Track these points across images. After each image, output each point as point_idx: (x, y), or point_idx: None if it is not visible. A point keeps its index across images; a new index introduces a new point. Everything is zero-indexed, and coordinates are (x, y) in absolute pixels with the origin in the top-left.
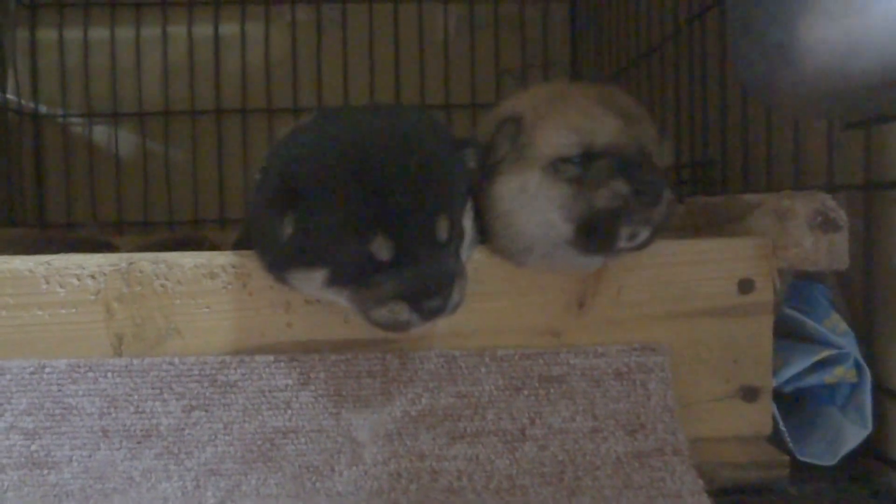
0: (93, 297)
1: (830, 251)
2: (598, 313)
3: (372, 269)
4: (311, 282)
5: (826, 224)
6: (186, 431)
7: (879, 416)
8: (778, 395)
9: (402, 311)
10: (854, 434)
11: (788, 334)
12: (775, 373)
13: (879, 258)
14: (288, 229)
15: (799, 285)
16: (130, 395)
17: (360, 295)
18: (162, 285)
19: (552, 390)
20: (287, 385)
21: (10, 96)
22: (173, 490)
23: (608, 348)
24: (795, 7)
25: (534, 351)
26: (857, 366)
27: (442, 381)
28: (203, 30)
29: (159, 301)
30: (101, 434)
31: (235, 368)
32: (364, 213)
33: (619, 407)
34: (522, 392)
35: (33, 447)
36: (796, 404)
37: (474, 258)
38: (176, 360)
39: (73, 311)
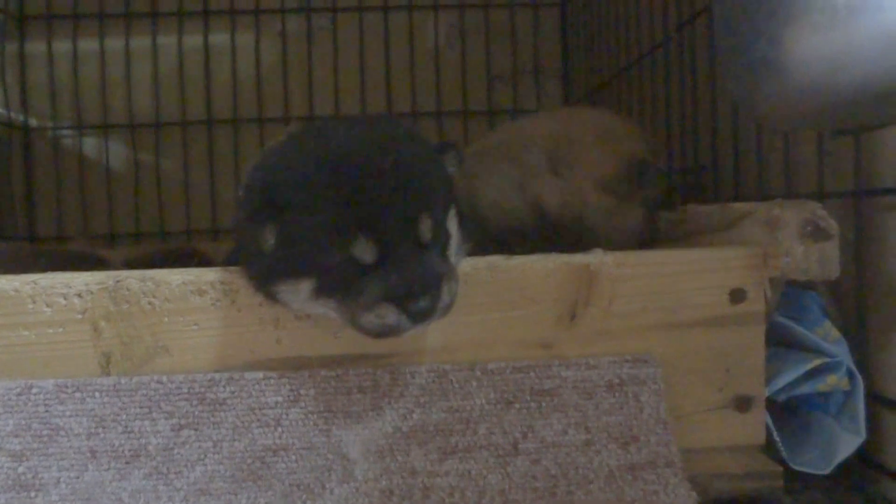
0: (80, 316)
1: (821, 260)
2: (589, 325)
3: (356, 274)
4: (298, 293)
5: (816, 233)
6: (175, 451)
7: (872, 424)
8: (771, 403)
9: (390, 314)
10: (848, 442)
11: (781, 342)
12: (768, 382)
13: (870, 265)
14: (270, 240)
15: (791, 293)
16: (118, 415)
17: (347, 303)
18: (150, 303)
19: (544, 403)
20: (277, 402)
21: None
22: None
23: (600, 360)
24: (781, 21)
25: (525, 364)
26: (850, 374)
27: (433, 396)
28: (193, 40)
29: (147, 319)
30: (89, 455)
31: (224, 386)
32: (344, 216)
33: (612, 419)
34: (514, 406)
35: (20, 469)
36: (790, 412)
37: (464, 271)
38: (164, 379)
39: (60, 330)
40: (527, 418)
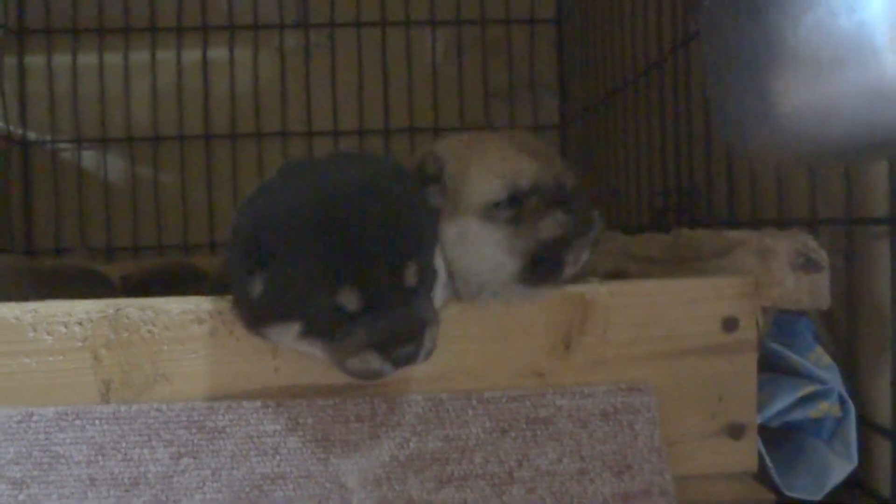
0: (80, 344)
1: (812, 291)
2: (583, 354)
3: (342, 320)
4: (285, 335)
5: (807, 264)
6: (175, 479)
7: (863, 450)
8: (763, 429)
9: (374, 360)
10: (840, 468)
11: (772, 368)
12: (761, 408)
13: (861, 292)
14: (258, 288)
15: (782, 318)
16: (118, 443)
17: (333, 346)
18: (149, 331)
19: (539, 432)
20: (275, 430)
21: None
22: None
23: (594, 389)
24: (768, 74)
25: (520, 393)
26: (842, 400)
27: (429, 425)
28: (191, 55)
29: (147, 347)
30: (88, 482)
31: (223, 414)
32: (330, 265)
33: (606, 448)
34: (510, 434)
35: (21, 497)
36: (782, 437)
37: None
38: (164, 407)
39: (61, 358)
40: (522, 447)
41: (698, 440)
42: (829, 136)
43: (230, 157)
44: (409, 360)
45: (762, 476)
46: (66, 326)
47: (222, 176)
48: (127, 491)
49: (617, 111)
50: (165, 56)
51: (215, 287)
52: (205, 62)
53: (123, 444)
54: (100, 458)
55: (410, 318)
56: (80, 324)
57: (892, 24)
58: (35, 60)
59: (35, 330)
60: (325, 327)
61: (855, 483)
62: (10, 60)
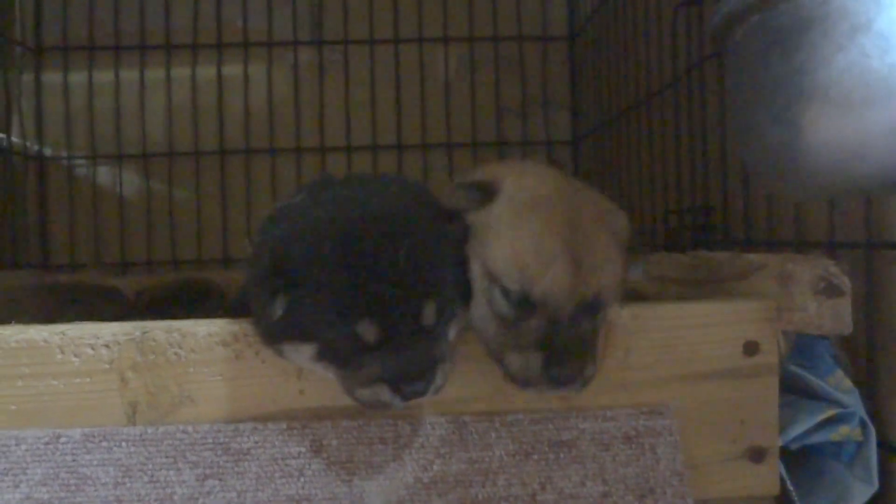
0: (107, 366)
1: (834, 316)
2: (606, 377)
3: (358, 350)
4: (302, 354)
5: (829, 290)
6: (200, 500)
7: (883, 474)
8: (784, 451)
9: (384, 393)
10: (861, 492)
11: (792, 390)
12: (781, 431)
13: (881, 316)
14: (279, 311)
15: (803, 341)
16: (145, 465)
17: (346, 373)
18: (175, 353)
19: (562, 455)
20: (300, 452)
21: (15, 139)
22: None
23: (617, 412)
24: (798, 109)
25: (543, 415)
26: (863, 424)
27: (453, 447)
28: (206, 72)
29: (173, 369)
30: None
31: (249, 436)
32: (352, 297)
33: (629, 471)
34: (532, 457)
35: None
36: (801, 459)
37: None
38: (190, 429)
39: (88, 380)
40: (545, 469)
41: (720, 463)
42: (857, 173)
43: (244, 172)
44: (418, 395)
45: (783, 499)
46: (93, 349)
47: (236, 191)
48: None
49: (630, 128)
50: (180, 73)
51: (235, 308)
52: (219, 79)
53: (150, 466)
54: (126, 479)
55: (424, 356)
56: (107, 346)
57: None
58: (52, 78)
59: (63, 352)
60: (340, 354)
61: None
62: (28, 77)
